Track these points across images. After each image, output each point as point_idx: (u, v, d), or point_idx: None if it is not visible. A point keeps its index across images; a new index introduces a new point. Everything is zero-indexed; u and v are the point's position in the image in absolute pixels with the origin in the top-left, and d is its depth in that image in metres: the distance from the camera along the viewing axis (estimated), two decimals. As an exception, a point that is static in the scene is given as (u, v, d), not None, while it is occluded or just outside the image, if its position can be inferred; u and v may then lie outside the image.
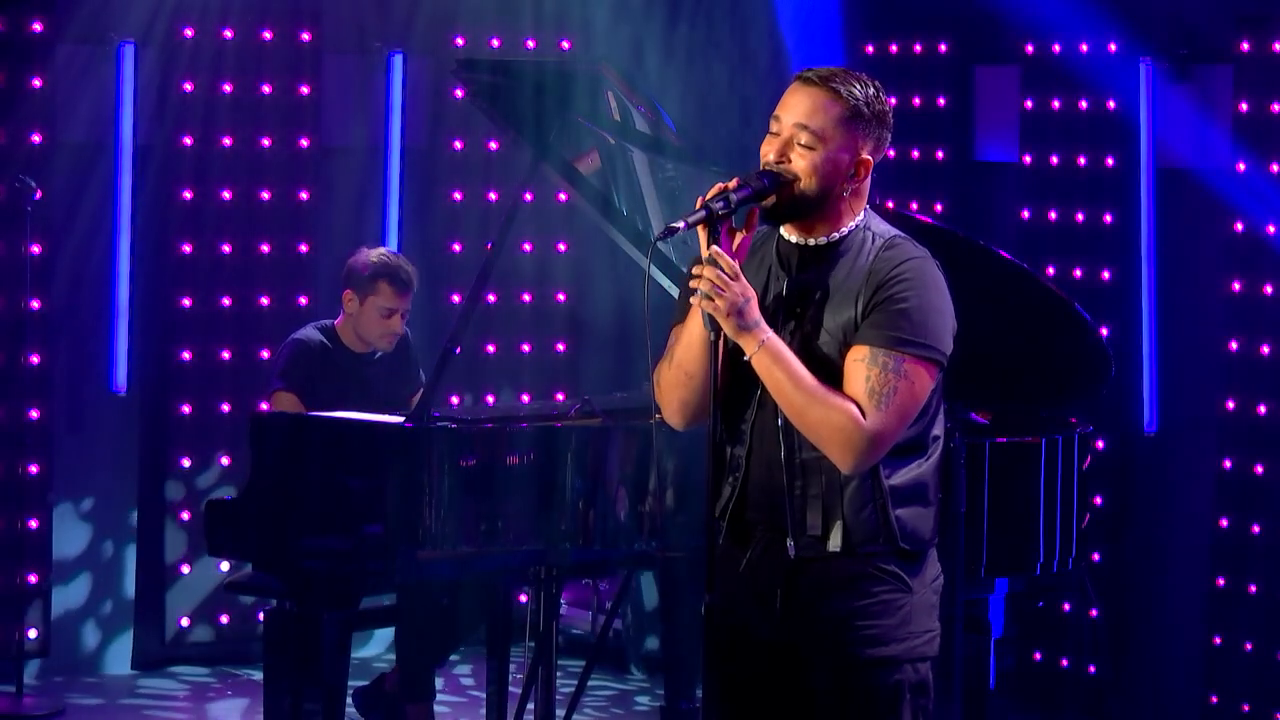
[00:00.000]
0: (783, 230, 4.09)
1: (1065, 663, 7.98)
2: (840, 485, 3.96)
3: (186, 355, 8.45)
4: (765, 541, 4.06)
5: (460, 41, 8.82)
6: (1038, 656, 8.05)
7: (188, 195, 8.42)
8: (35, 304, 7.97)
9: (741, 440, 4.07)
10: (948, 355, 3.99)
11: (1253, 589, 7.41)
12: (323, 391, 6.92)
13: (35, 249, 7.92)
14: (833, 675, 4.01)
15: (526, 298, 9.07)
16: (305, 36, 8.60)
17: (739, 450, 4.08)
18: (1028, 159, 8.20)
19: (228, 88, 8.45)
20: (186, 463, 8.45)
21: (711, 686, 4.05)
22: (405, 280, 7.01)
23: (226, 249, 8.50)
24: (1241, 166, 7.46)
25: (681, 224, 3.94)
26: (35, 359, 7.98)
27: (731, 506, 4.09)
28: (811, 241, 4.06)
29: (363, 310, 7.02)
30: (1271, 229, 7.37)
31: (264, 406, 7.01)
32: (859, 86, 4.02)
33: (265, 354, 8.53)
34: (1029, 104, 8.19)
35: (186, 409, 8.46)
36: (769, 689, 4.08)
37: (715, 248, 3.94)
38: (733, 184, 3.96)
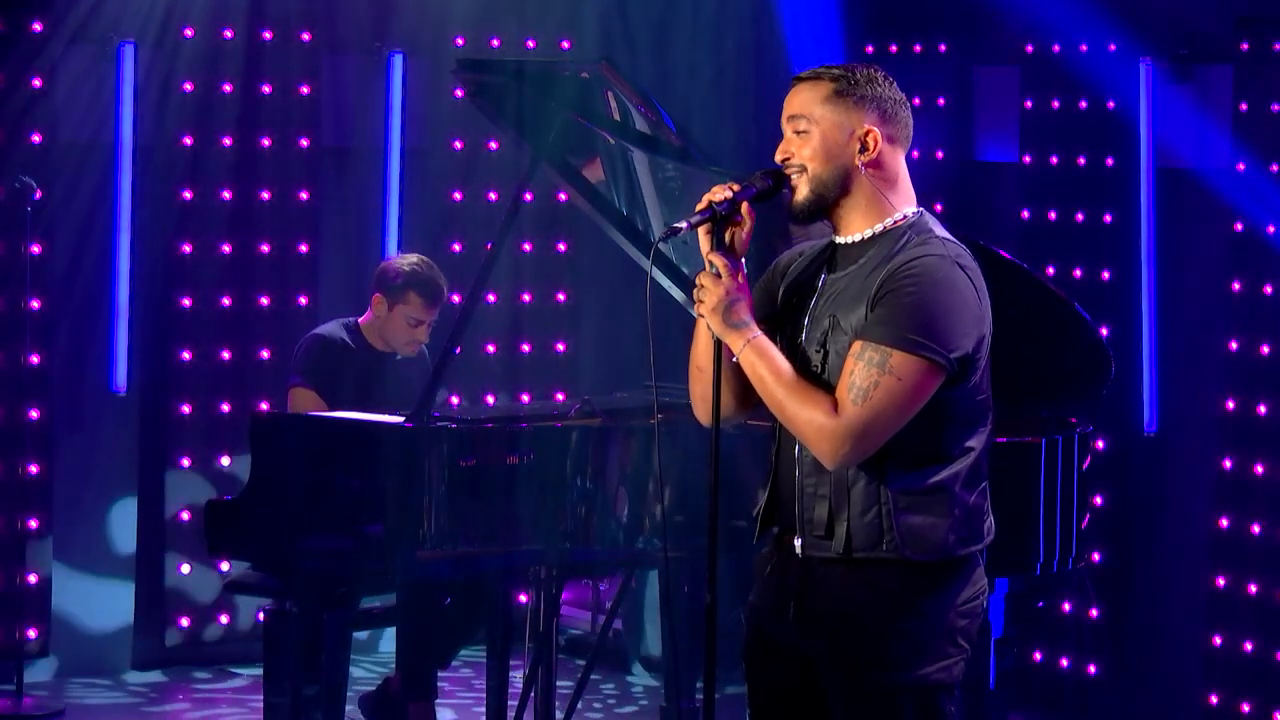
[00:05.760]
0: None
1: (1065, 663, 7.98)
2: (847, 486, 3.92)
3: (186, 355, 8.45)
4: (788, 546, 4.04)
5: (460, 41, 8.82)
6: (1038, 656, 8.05)
7: (188, 195, 8.42)
8: (35, 304, 7.98)
9: (774, 439, 4.07)
10: (955, 358, 3.87)
11: (1253, 589, 7.40)
12: (345, 388, 6.93)
13: (35, 249, 7.92)
14: (841, 693, 3.98)
15: (526, 298, 9.08)
16: (305, 36, 8.60)
17: (771, 450, 4.09)
18: (1027, 159, 8.20)
19: (228, 88, 8.45)
20: (186, 463, 8.45)
21: (749, 691, 4.10)
22: (435, 293, 7.02)
23: (226, 249, 8.50)
24: (1241, 166, 7.46)
25: (684, 224, 3.95)
26: (35, 359, 7.98)
27: (763, 508, 4.09)
28: (847, 239, 4.04)
29: (390, 316, 7.04)
30: (1271, 229, 7.37)
31: (262, 404, 7.01)
32: (842, 68, 4.03)
33: (265, 354, 8.54)
34: (1029, 104, 8.19)
35: (186, 409, 8.46)
36: (793, 695, 4.07)
37: (710, 250, 3.95)
38: (736, 186, 3.97)
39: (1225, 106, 7.59)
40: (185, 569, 8.42)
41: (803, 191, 4.00)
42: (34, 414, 7.99)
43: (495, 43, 8.90)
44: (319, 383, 6.98)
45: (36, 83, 8.00)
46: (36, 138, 8.02)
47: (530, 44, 8.95)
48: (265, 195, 8.56)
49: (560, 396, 8.70)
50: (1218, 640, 7.50)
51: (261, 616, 6.52)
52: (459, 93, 8.32)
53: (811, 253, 4.14)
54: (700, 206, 3.97)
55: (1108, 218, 7.94)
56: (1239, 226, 7.49)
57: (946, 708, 3.96)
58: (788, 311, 4.08)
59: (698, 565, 6.51)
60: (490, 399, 8.83)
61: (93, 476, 8.35)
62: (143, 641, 8.44)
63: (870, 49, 8.62)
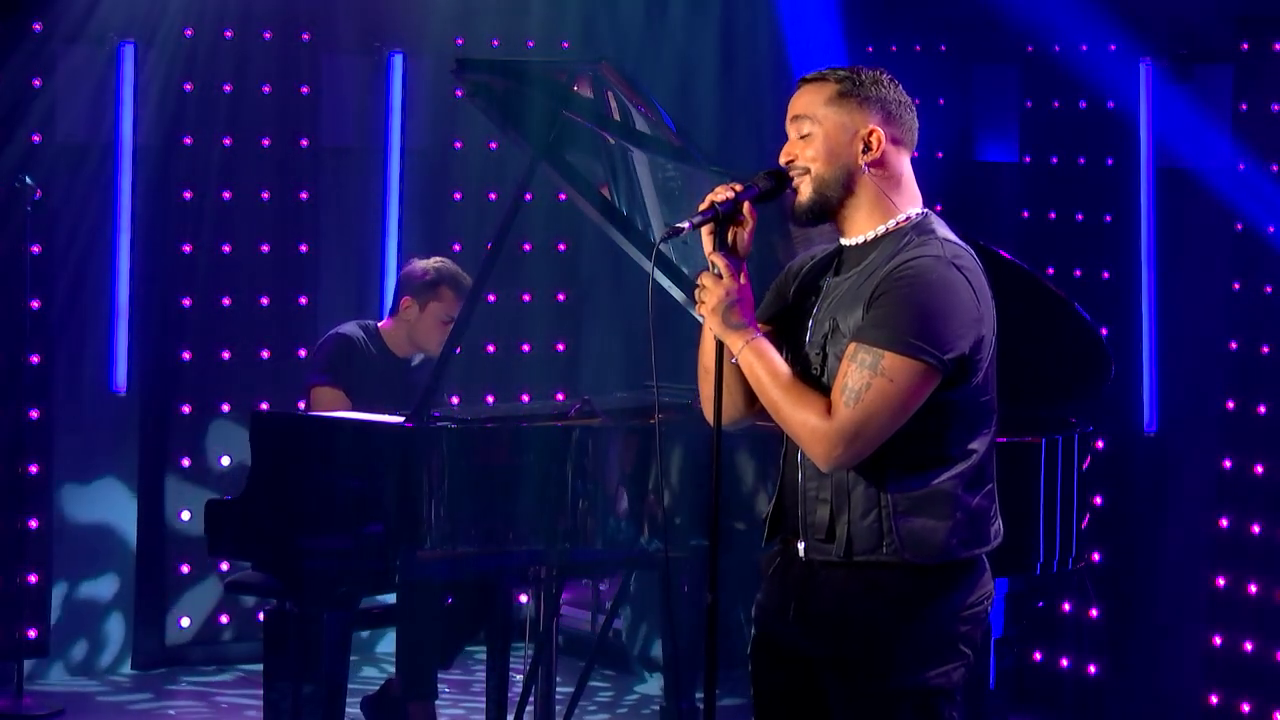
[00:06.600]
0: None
1: (1065, 663, 7.98)
2: (848, 489, 3.92)
3: (186, 355, 8.45)
4: (792, 549, 4.04)
5: (460, 41, 8.82)
6: (1038, 656, 8.05)
7: (188, 195, 8.42)
8: (35, 304, 7.98)
9: (783, 443, 4.07)
10: (950, 359, 3.84)
11: (1253, 589, 7.41)
12: (364, 389, 6.94)
13: (35, 249, 7.92)
14: (840, 695, 3.97)
15: (526, 298, 9.08)
16: (305, 36, 8.60)
17: (780, 454, 4.09)
18: (1027, 159, 8.21)
19: (228, 88, 8.46)
20: (186, 463, 8.45)
21: (753, 690, 4.09)
22: (465, 286, 7.06)
23: (226, 249, 8.50)
24: (1241, 166, 7.46)
25: (687, 224, 3.93)
26: (35, 359, 7.98)
27: (772, 510, 4.10)
28: (852, 241, 4.03)
29: (423, 317, 7.08)
30: (1271, 229, 7.37)
31: (262, 404, 7.01)
32: (847, 69, 4.02)
33: (265, 354, 8.54)
34: (1029, 104, 8.20)
35: (186, 409, 8.46)
36: (795, 696, 4.06)
37: (712, 250, 3.94)
38: (739, 186, 3.97)
39: (1225, 106, 7.59)
40: (185, 568, 8.43)
41: (806, 193, 4.00)
42: (34, 414, 7.99)
43: (495, 43, 8.90)
44: (343, 381, 6.99)
45: (36, 82, 8.01)
46: (36, 138, 8.02)
47: (530, 44, 8.96)
48: (265, 195, 8.56)
49: (560, 396, 8.69)
50: (1218, 640, 7.50)
51: (261, 616, 6.52)
52: (459, 93, 8.33)
53: (821, 256, 4.14)
54: (702, 206, 3.96)
55: (1107, 218, 7.95)
56: (1239, 226, 7.49)
57: (947, 713, 3.95)
58: (795, 315, 4.08)
59: (698, 565, 6.51)
60: (490, 399, 8.83)
61: (93, 476, 8.35)
62: (143, 640, 8.44)
63: (870, 49, 8.62)
